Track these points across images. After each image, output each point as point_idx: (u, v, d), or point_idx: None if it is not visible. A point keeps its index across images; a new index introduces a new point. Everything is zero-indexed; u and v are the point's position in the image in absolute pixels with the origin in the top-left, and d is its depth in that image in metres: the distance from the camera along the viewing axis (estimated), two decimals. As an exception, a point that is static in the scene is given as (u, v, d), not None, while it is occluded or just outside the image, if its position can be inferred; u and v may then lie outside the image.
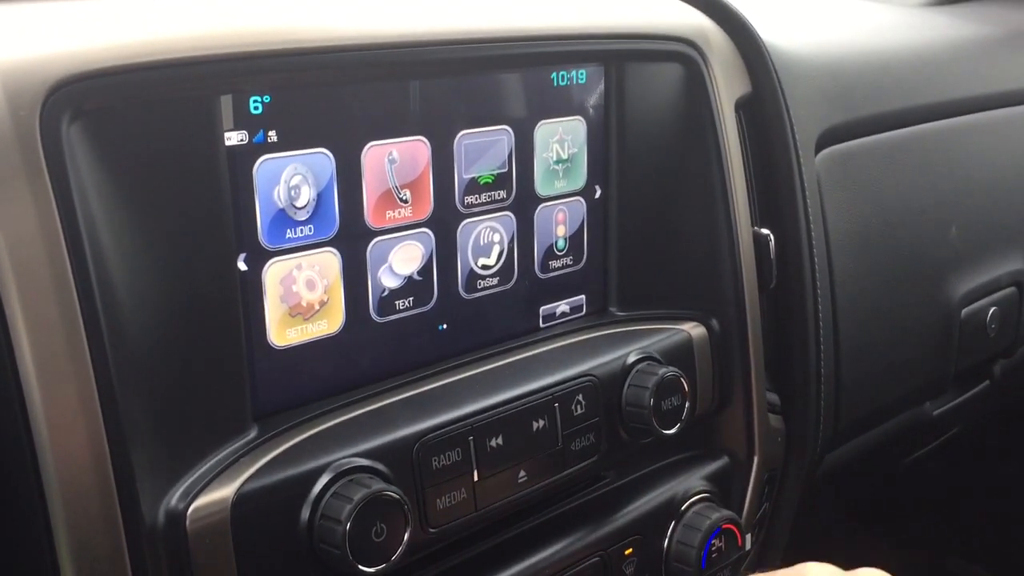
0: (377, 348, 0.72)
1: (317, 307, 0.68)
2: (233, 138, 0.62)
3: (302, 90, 0.65)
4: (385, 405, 0.71)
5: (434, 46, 0.70)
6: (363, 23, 0.67)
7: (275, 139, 0.64)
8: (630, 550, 0.82)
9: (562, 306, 0.84)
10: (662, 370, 0.79)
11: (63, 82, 0.54)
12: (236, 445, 0.63)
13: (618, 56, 0.82)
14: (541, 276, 0.82)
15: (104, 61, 0.55)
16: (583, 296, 0.85)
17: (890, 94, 1.11)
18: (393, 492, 0.63)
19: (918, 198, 1.11)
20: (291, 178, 0.66)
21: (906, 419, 1.18)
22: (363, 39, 0.67)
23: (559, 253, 0.83)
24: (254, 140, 0.63)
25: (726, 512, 0.85)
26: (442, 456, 0.69)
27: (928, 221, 1.12)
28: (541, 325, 0.83)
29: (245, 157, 0.63)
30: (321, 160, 0.67)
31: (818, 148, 0.99)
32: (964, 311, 1.16)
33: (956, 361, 1.17)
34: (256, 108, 0.63)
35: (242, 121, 0.63)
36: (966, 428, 1.35)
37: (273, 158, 0.64)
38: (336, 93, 0.67)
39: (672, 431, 0.80)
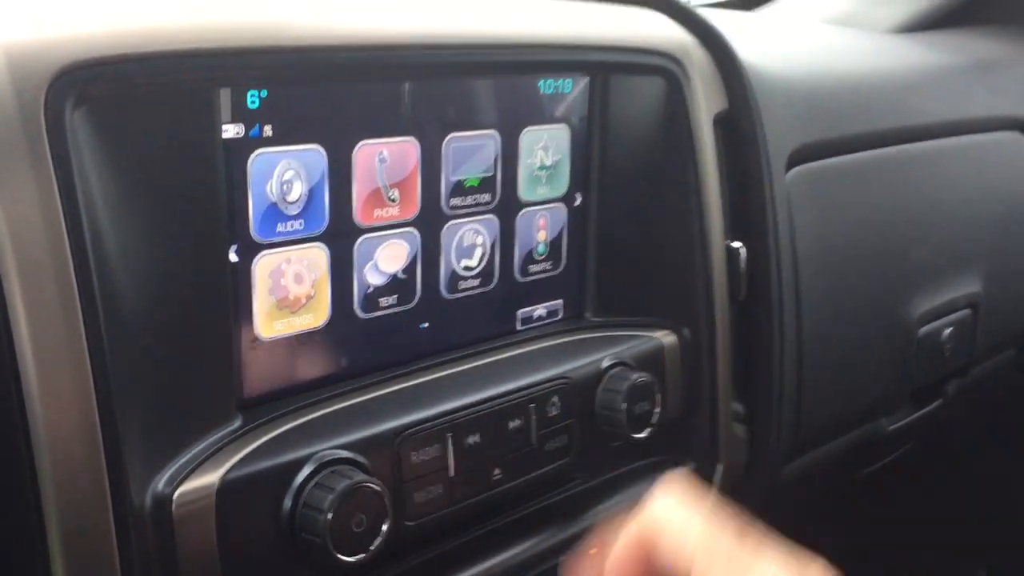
0: (360, 343, 0.73)
1: (304, 301, 0.70)
2: (230, 131, 0.63)
3: (298, 87, 0.66)
4: (367, 400, 0.72)
5: (427, 49, 0.71)
6: (360, 24, 0.68)
7: (270, 134, 0.65)
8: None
9: (539, 310, 0.86)
10: (634, 375, 0.81)
11: (69, 68, 0.55)
12: (221, 433, 0.64)
13: (603, 67, 0.84)
14: (520, 280, 0.84)
15: (110, 49, 0.56)
16: (560, 301, 0.87)
17: (861, 116, 1.14)
18: (374, 484, 0.65)
19: (883, 219, 1.14)
20: (284, 173, 0.67)
21: (862, 433, 1.20)
22: (358, 39, 0.68)
23: (539, 258, 0.84)
24: (250, 134, 0.65)
25: (691, 517, 0.86)
26: (421, 451, 0.70)
27: (891, 241, 1.15)
28: (519, 328, 0.84)
29: (240, 150, 0.64)
30: (314, 156, 0.68)
31: (789, 166, 1.02)
32: (921, 330, 1.19)
33: (912, 378, 1.20)
34: (253, 103, 0.64)
35: (239, 115, 0.64)
36: (919, 445, 1.38)
37: (267, 152, 0.66)
38: (331, 91, 0.68)
39: (642, 435, 0.82)
